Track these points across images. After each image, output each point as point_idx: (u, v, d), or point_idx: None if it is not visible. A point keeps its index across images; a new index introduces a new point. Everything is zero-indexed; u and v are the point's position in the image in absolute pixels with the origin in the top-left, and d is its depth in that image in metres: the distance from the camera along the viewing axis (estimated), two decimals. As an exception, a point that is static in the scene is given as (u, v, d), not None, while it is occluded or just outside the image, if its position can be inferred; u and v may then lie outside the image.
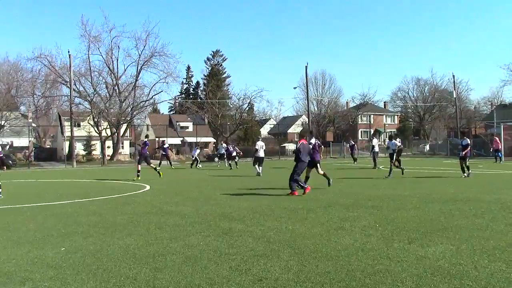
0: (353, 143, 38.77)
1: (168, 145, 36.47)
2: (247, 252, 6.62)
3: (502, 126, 43.29)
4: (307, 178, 15.36)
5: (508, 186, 15.28)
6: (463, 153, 19.58)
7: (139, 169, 22.35)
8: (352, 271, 5.53)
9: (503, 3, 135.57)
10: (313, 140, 15.98)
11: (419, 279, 5.16)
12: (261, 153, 23.29)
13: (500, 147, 34.33)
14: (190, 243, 7.31)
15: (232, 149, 34.90)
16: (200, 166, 35.61)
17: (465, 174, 19.40)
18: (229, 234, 8.02)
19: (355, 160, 36.27)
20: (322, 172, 15.88)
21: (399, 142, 21.47)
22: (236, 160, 34.23)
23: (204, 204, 12.17)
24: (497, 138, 35.60)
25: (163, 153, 34.35)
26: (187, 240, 7.56)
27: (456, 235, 7.46)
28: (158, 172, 22.92)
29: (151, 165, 23.47)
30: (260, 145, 23.72)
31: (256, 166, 23.51)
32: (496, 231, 7.73)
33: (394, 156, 20.00)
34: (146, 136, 24.47)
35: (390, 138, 21.34)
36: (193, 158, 36.15)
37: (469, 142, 20.15)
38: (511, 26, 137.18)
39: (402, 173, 20.20)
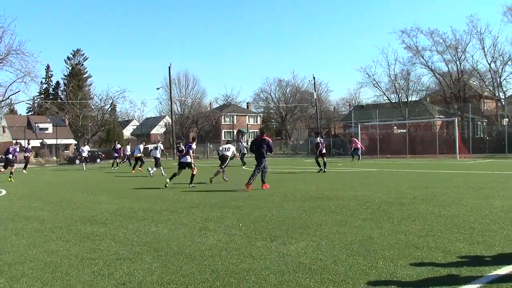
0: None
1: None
2: (110, 256, 6.53)
3: (359, 126, 46.32)
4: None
5: (364, 183, 16.37)
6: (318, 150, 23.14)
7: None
8: (216, 271, 5.62)
9: (359, 9, 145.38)
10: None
11: (282, 276, 5.35)
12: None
13: (358, 146, 36.90)
14: (49, 249, 7.09)
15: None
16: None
17: (323, 169, 22.50)
18: (91, 238, 7.87)
19: None
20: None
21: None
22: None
23: (65, 208, 11.82)
24: (355, 139, 38.32)
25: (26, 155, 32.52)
26: (47, 246, 7.33)
27: (316, 232, 7.85)
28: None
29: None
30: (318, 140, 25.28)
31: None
32: (354, 226, 8.26)
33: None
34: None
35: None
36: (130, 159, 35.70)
37: (318, 140, 23.85)
38: (364, 30, 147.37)
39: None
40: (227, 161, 18.75)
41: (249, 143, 21.80)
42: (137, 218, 9.88)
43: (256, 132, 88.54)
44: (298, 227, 8.30)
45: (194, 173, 17.02)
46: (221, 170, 18.77)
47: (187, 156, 17.30)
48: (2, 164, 26.02)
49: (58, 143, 61.99)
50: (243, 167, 29.57)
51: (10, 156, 24.51)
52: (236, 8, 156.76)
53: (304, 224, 8.59)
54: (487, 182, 15.81)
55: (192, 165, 17.20)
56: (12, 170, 23.69)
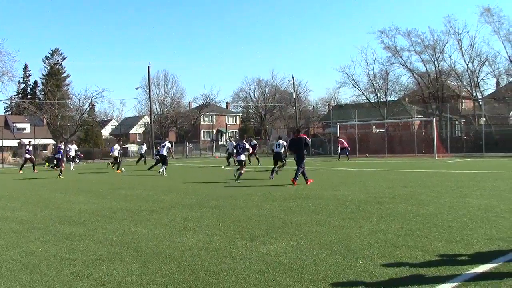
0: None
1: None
2: (89, 256, 6.52)
3: (338, 125, 46.60)
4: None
5: (343, 183, 16.47)
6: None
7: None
8: (196, 271, 5.63)
9: (338, 9, 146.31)
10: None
11: (261, 276, 5.38)
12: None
13: (345, 146, 37.13)
14: (28, 249, 7.07)
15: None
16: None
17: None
18: (69, 238, 7.85)
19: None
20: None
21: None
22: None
23: (44, 209, 11.74)
24: (341, 140, 38.66)
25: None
26: (25, 246, 7.30)
27: (296, 231, 7.89)
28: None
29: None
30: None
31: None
32: (333, 226, 8.31)
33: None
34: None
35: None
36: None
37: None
38: (343, 30, 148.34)
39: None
40: (283, 159, 19.10)
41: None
42: (116, 218, 9.84)
43: (235, 131, 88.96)
44: (277, 227, 8.33)
45: (242, 171, 18.36)
46: (277, 169, 19.61)
47: (242, 155, 18.88)
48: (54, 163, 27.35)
49: (36, 143, 61.40)
50: (223, 167, 29.52)
51: (60, 155, 25.58)
52: (216, 8, 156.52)
53: (283, 224, 8.63)
54: (464, 181, 16.02)
55: (243, 163, 18.60)
56: (62, 169, 24.55)
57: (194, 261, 6.09)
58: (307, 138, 17.17)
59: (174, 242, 7.27)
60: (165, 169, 23.40)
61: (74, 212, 10.93)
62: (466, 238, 7.01)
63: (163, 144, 24.83)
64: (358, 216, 9.32)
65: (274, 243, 7.01)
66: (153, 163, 28.29)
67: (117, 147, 29.60)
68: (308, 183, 16.15)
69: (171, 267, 5.83)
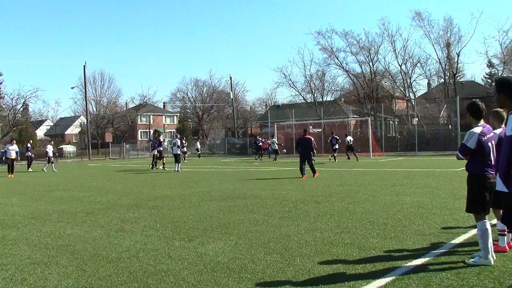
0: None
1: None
2: (23, 260, 6.38)
3: (275, 125, 46.97)
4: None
5: (280, 182, 16.65)
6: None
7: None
8: (134, 273, 5.58)
9: (275, 10, 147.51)
10: None
11: (200, 275, 5.37)
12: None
13: (266, 146, 38.77)
14: None
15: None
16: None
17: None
18: (2, 242, 7.65)
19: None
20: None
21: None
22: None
23: None
24: (267, 140, 40.03)
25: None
26: None
27: (234, 231, 7.93)
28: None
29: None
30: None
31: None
32: (271, 225, 8.40)
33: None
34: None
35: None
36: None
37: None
38: (280, 31, 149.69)
39: None
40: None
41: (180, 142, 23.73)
42: (52, 221, 9.64)
43: (173, 131, 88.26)
44: (216, 227, 8.34)
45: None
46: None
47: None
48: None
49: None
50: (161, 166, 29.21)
51: (161, 148, 27.97)
52: (152, 7, 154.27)
53: (221, 224, 8.64)
54: (398, 179, 16.51)
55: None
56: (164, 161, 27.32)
57: (131, 262, 6.03)
58: (312, 138, 19.15)
59: (111, 244, 7.18)
60: (179, 166, 24.56)
61: (7, 215, 10.63)
62: (400, 235, 7.23)
63: (175, 142, 25.55)
64: (295, 215, 9.45)
65: (212, 243, 7.02)
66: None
67: (10, 148, 26.31)
68: (304, 177, 17.98)
69: (108, 270, 5.74)
